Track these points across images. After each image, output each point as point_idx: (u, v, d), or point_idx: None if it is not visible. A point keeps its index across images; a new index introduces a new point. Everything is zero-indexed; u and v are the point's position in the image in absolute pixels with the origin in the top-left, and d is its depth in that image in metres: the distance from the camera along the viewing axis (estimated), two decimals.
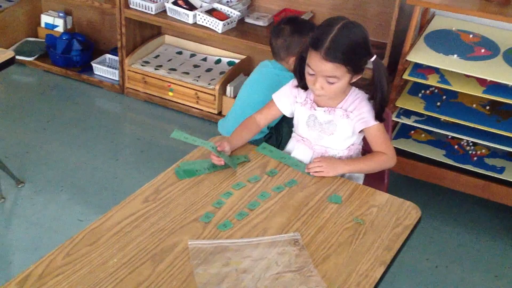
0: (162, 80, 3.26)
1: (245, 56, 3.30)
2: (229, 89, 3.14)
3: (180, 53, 3.48)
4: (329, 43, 1.64)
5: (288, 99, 1.88)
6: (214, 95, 3.14)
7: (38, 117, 3.19)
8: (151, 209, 1.59)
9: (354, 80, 1.75)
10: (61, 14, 3.72)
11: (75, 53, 3.53)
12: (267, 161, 1.81)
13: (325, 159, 1.77)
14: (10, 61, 2.33)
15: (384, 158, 1.80)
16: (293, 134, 1.94)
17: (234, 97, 3.13)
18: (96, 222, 1.53)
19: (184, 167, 1.75)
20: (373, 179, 1.97)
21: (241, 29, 3.08)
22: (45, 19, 3.75)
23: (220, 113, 3.20)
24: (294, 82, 1.87)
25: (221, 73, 3.28)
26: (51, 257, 1.40)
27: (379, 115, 1.78)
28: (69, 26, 3.74)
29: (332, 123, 1.80)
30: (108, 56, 3.56)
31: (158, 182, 1.70)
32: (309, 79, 1.74)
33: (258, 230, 1.53)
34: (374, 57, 1.73)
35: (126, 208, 1.59)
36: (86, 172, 2.81)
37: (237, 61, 3.31)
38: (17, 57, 2.86)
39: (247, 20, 3.14)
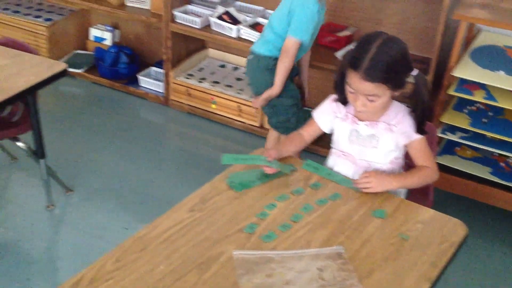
0: (206, 92, 3.32)
1: None
2: None
3: (223, 66, 3.54)
4: (368, 63, 1.63)
5: (328, 116, 1.88)
6: (257, 108, 3.18)
7: (86, 128, 3.29)
8: (196, 219, 1.62)
9: (396, 94, 1.75)
10: (109, 28, 3.83)
11: (122, 66, 3.63)
12: (311, 173, 1.82)
13: (374, 174, 1.76)
14: (62, 73, 2.41)
15: (428, 173, 1.80)
16: (332, 150, 1.94)
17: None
18: (144, 230, 1.57)
19: (234, 178, 1.77)
20: (418, 195, 1.96)
21: None
22: (94, 32, 3.87)
23: (262, 126, 3.23)
24: (333, 97, 1.87)
25: None
26: (102, 262, 1.45)
27: (421, 129, 1.77)
28: (116, 40, 3.85)
29: (374, 137, 1.80)
30: (153, 68, 3.65)
31: (203, 192, 1.74)
32: (350, 96, 1.74)
33: (301, 242, 1.55)
34: (415, 71, 1.72)
35: (172, 217, 1.63)
36: (131, 182, 2.88)
37: None
38: (68, 69, 2.96)
39: None
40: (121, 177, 2.91)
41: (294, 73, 2.63)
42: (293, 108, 2.59)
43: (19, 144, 2.50)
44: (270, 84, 2.52)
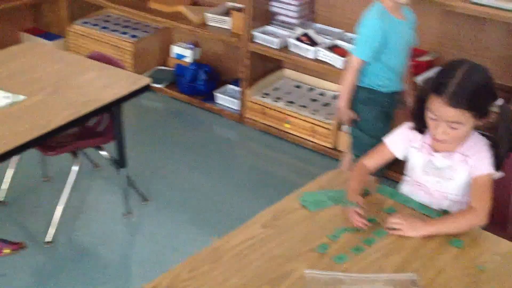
0: (280, 112, 3.37)
1: None
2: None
3: (298, 86, 3.58)
4: (454, 88, 1.60)
5: (402, 143, 1.84)
6: (331, 130, 3.19)
7: (163, 141, 3.42)
8: (269, 235, 1.65)
9: (478, 124, 1.70)
10: (190, 46, 3.97)
11: (200, 83, 3.74)
12: (385, 198, 1.81)
13: (407, 218, 1.68)
14: (146, 87, 2.52)
15: (473, 218, 1.67)
16: (406, 178, 1.91)
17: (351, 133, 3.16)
18: (217, 242, 1.61)
19: (308, 197, 1.79)
20: (496, 225, 1.89)
21: None
22: (175, 49, 4.02)
23: (335, 148, 3.23)
24: (408, 124, 1.83)
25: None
26: (177, 271, 1.50)
27: (498, 164, 1.69)
28: (196, 57, 3.99)
29: (451, 168, 1.75)
30: (230, 86, 3.74)
31: (276, 209, 1.77)
32: (431, 124, 1.69)
33: (374, 266, 1.54)
34: (500, 100, 1.67)
35: (245, 232, 1.66)
36: (204, 195, 2.95)
37: None
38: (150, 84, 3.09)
39: None
40: (195, 190, 2.99)
41: (384, 108, 2.53)
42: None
43: (103, 153, 2.63)
44: (356, 112, 2.52)
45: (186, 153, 3.30)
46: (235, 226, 1.70)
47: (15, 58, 2.57)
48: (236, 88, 3.65)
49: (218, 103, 3.69)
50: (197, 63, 3.85)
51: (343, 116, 2.55)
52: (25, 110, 2.17)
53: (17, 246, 2.25)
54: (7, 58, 2.57)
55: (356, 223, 1.66)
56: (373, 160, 1.88)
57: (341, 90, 2.51)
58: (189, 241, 2.62)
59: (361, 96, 2.49)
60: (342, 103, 2.50)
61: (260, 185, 3.05)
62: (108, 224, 2.71)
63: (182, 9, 3.74)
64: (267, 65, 3.57)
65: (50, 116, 2.14)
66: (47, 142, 2.39)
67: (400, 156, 1.86)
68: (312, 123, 3.26)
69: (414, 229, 1.64)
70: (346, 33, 3.30)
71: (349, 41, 3.22)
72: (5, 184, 2.77)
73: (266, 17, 3.42)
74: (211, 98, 3.72)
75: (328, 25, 3.39)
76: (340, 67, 3.08)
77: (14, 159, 2.73)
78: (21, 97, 2.23)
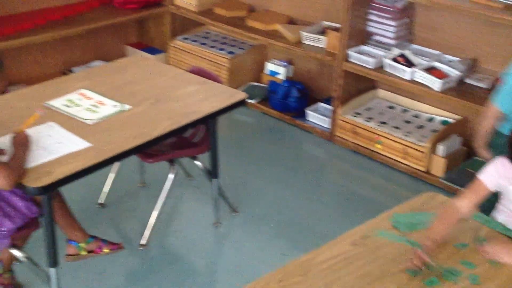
0: (372, 132, 3.35)
1: (461, 117, 3.23)
2: (440, 148, 3.10)
3: (392, 107, 3.55)
4: None
5: (498, 177, 1.73)
6: (424, 152, 3.12)
7: (253, 154, 3.49)
8: (358, 253, 1.65)
9: None
10: (283, 63, 4.05)
11: (292, 100, 3.80)
12: (477, 226, 1.76)
13: (502, 242, 1.63)
14: (241, 102, 2.60)
15: None
16: (501, 207, 1.84)
17: (445, 157, 3.08)
18: (306, 256, 1.64)
19: (399, 218, 1.78)
20: None
21: (459, 89, 3.05)
22: (269, 66, 4.11)
23: (428, 172, 3.16)
24: (501, 159, 1.73)
25: (433, 131, 3.26)
26: (266, 281, 1.54)
27: None
28: (289, 74, 4.05)
29: None
30: (321, 104, 3.76)
31: (366, 227, 1.77)
32: None
33: None
34: None
35: (334, 248, 1.68)
36: (292, 210, 2.98)
37: (451, 121, 3.26)
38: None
39: (468, 80, 3.09)
40: (283, 205, 3.03)
41: None
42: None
43: (197, 163, 2.73)
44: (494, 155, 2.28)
45: (275, 168, 3.36)
46: (320, 242, 1.72)
47: (122, 70, 2.74)
48: (328, 107, 3.66)
49: (309, 121, 3.73)
50: (289, 81, 3.91)
51: (480, 155, 2.41)
52: (130, 118, 2.31)
53: (116, 247, 2.38)
54: (115, 70, 2.75)
55: (410, 263, 1.59)
56: (467, 200, 1.74)
57: (477, 133, 2.37)
58: (275, 254, 2.66)
59: (499, 142, 2.19)
60: (477, 145, 2.36)
61: (347, 204, 3.04)
62: (198, 232, 2.80)
63: (278, 27, 3.83)
64: (360, 84, 3.56)
65: (152, 125, 2.26)
66: (147, 150, 2.53)
67: (494, 189, 1.76)
68: (404, 145, 3.21)
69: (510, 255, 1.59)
70: (445, 55, 3.24)
71: (447, 63, 3.16)
72: (106, 188, 2.95)
73: (362, 37, 3.43)
74: (302, 115, 3.76)
75: (426, 47, 3.34)
76: (437, 90, 3.02)
77: (116, 164, 2.90)
78: (127, 107, 2.38)
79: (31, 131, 2.06)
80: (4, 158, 1.90)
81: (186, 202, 3.04)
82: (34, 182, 1.85)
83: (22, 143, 1.97)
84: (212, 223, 2.85)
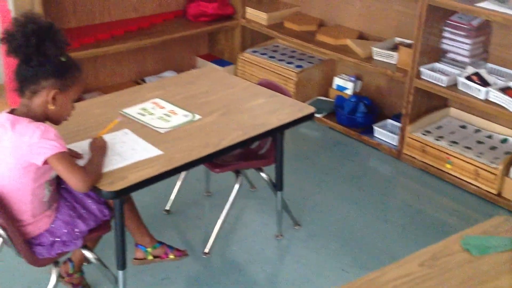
0: (442, 151, 3.26)
1: None
2: None
3: (464, 127, 3.44)
4: None
5: None
6: (496, 175, 3.01)
7: (318, 169, 3.48)
8: (427, 274, 1.61)
9: None
10: (352, 78, 4.02)
11: (359, 115, 3.76)
12: None
13: None
14: (309, 116, 2.60)
15: None
16: None
17: None
18: (372, 274, 1.61)
19: (471, 241, 1.72)
20: None
21: None
22: (337, 81, 4.10)
23: (499, 195, 3.04)
24: None
25: (506, 153, 3.14)
26: None
27: None
28: (357, 90, 4.02)
29: None
30: (389, 121, 3.71)
31: (435, 249, 1.72)
32: None
33: None
34: None
35: (402, 268, 1.64)
36: (355, 227, 2.95)
37: None
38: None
39: None
40: (346, 221, 3.00)
41: None
42: None
43: (263, 175, 2.75)
44: None
45: (339, 184, 3.33)
46: (384, 261, 1.70)
47: (193, 81, 2.81)
48: (396, 123, 3.60)
49: (376, 137, 3.68)
50: (357, 96, 3.88)
51: None
52: (200, 128, 2.36)
53: (181, 253, 2.43)
54: (187, 80, 2.82)
55: None
56: None
57: None
58: (336, 270, 2.63)
59: None
60: None
61: (413, 224, 2.97)
62: (260, 243, 2.82)
63: (348, 42, 3.82)
64: (431, 102, 3.48)
65: (221, 136, 2.30)
66: (215, 160, 2.58)
67: None
68: (476, 166, 3.10)
69: None
70: None
71: None
72: (173, 195, 3.01)
73: (435, 54, 3.36)
74: (369, 131, 3.72)
75: (501, 66, 3.24)
76: None
77: (183, 172, 2.96)
78: (197, 117, 2.43)
79: (107, 137, 2.15)
80: (81, 162, 1.99)
81: (249, 213, 3.06)
82: (108, 186, 1.93)
83: (99, 148, 2.05)
84: (274, 235, 2.85)
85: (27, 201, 1.95)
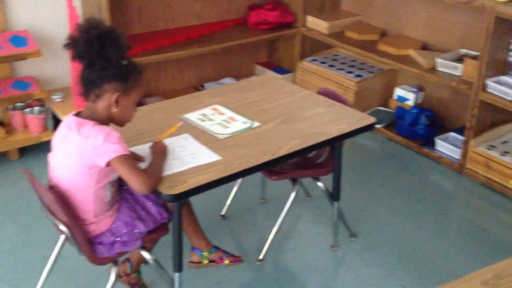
0: (507, 167, 3.14)
1: None
2: None
3: None
4: None
5: None
6: None
7: (376, 180, 3.42)
8: None
9: None
10: (413, 89, 3.94)
11: (420, 127, 3.68)
12: None
13: None
14: (369, 127, 2.56)
15: None
16: None
17: None
18: None
19: None
20: None
21: None
22: (398, 92, 4.02)
23: None
24: None
25: None
26: None
27: None
28: (419, 101, 3.93)
29: None
30: (452, 134, 3.60)
31: (498, 268, 1.65)
32: None
33: None
34: None
35: (463, 286, 1.58)
36: (414, 242, 2.87)
37: None
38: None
39: None
40: (404, 235, 2.93)
41: None
42: None
43: (319, 184, 2.73)
44: None
45: (397, 197, 3.26)
46: (445, 279, 1.64)
47: (253, 88, 2.82)
48: (459, 137, 3.50)
49: (437, 150, 3.58)
50: (419, 107, 3.79)
51: None
52: (258, 136, 2.37)
53: (236, 259, 2.44)
54: (246, 87, 2.84)
55: None
56: None
57: None
58: (394, 285, 2.57)
59: None
60: None
61: (475, 241, 2.87)
62: (314, 253, 2.79)
63: (411, 52, 3.74)
64: (497, 116, 3.37)
65: (279, 144, 2.30)
66: (272, 167, 2.58)
67: None
68: None
69: None
70: None
71: None
72: (229, 200, 3.04)
73: (502, 67, 3.24)
74: (430, 144, 3.63)
75: None
76: None
77: (239, 179, 2.98)
78: (256, 124, 2.44)
79: (167, 142, 2.19)
80: (143, 165, 2.04)
81: (305, 222, 3.04)
82: (168, 190, 1.96)
83: (160, 152, 2.09)
84: (330, 245, 2.82)
85: (90, 201, 2.01)
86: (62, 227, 2.02)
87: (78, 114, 2.01)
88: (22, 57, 3.29)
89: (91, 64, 1.92)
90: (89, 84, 1.96)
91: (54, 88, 3.68)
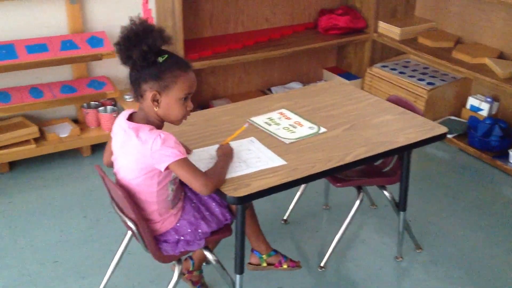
0: None
1: None
2: None
3: None
4: None
5: None
6: None
7: (444, 191, 3.31)
8: None
9: None
10: (488, 99, 3.79)
11: (494, 138, 3.53)
12: None
13: None
14: (440, 136, 2.48)
15: None
16: None
17: None
18: None
19: None
20: None
21: None
22: (471, 101, 3.88)
23: None
24: None
25: None
26: None
27: None
28: (493, 112, 3.78)
29: None
30: None
31: None
32: None
33: None
34: None
35: None
36: (483, 257, 2.76)
37: None
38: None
39: None
40: (471, 249, 2.82)
41: None
42: None
43: (385, 193, 2.67)
44: None
45: (467, 209, 3.14)
46: None
47: (320, 93, 2.80)
48: None
49: (511, 163, 3.43)
50: (493, 118, 3.65)
51: None
52: (324, 141, 2.34)
53: (294, 264, 2.42)
54: (314, 93, 2.82)
55: None
56: None
57: None
58: None
59: None
60: None
61: None
62: (377, 263, 2.73)
63: (487, 61, 3.60)
64: None
65: (346, 151, 2.27)
66: (337, 174, 2.55)
67: None
68: None
69: None
70: None
71: None
72: (291, 205, 3.03)
73: None
74: (503, 156, 3.48)
75: None
76: None
77: (303, 184, 2.96)
78: (323, 129, 2.42)
79: (234, 144, 2.21)
80: (202, 165, 2.05)
81: (368, 231, 2.99)
82: (233, 192, 1.98)
83: (225, 154, 2.11)
84: (394, 256, 2.76)
85: (153, 202, 2.06)
86: (130, 224, 2.07)
87: (131, 115, 2.05)
88: (98, 57, 3.42)
89: (133, 64, 1.94)
90: (132, 85, 1.99)
91: (126, 88, 3.80)
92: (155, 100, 1.96)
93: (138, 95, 1.99)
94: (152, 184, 2.02)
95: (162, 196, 2.06)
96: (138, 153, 1.96)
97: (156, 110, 1.98)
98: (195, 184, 1.93)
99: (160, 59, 1.94)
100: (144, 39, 1.90)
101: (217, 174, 2.01)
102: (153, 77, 1.94)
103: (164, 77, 1.94)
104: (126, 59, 1.93)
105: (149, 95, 1.96)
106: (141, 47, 1.89)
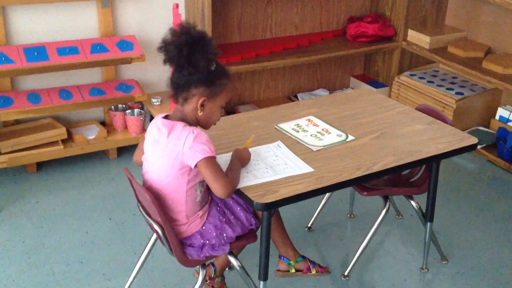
0: None
1: None
2: None
3: None
4: None
5: None
6: None
7: (472, 203, 3.26)
8: None
9: None
10: None
11: None
12: None
13: None
14: (470, 147, 2.44)
15: None
16: None
17: None
18: None
19: None
20: None
21: None
22: (501, 112, 3.82)
23: None
24: None
25: None
26: None
27: None
28: None
29: None
30: None
31: None
32: None
33: None
34: None
35: None
36: (510, 272, 2.70)
37: None
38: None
39: None
40: (499, 263, 2.77)
41: None
42: None
43: (413, 203, 2.64)
44: None
45: (495, 222, 3.08)
46: None
47: (348, 101, 2.79)
48: None
49: None
50: None
51: None
52: (352, 150, 2.33)
53: (323, 270, 2.40)
54: (342, 100, 2.81)
55: None
56: None
57: None
58: None
59: None
60: None
61: None
62: (402, 274, 2.70)
63: None
64: None
65: (374, 159, 2.25)
66: (364, 182, 2.53)
67: None
68: None
69: None
70: None
71: None
72: (316, 213, 3.01)
73: None
74: None
75: None
76: None
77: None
78: (351, 137, 2.41)
79: (262, 149, 2.21)
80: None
81: (393, 241, 2.95)
82: (259, 198, 1.97)
83: (239, 157, 2.10)
84: (419, 267, 2.72)
85: (182, 202, 2.07)
86: (156, 227, 2.08)
87: (167, 117, 2.08)
88: (128, 61, 3.45)
89: (180, 68, 1.98)
90: (178, 88, 2.02)
91: (154, 92, 3.83)
92: (202, 105, 2.01)
93: (182, 98, 2.03)
94: (182, 183, 2.03)
95: (191, 196, 2.06)
96: (170, 149, 1.98)
97: (200, 114, 2.03)
98: (217, 186, 1.94)
99: (212, 67, 2.00)
100: (206, 46, 1.95)
101: (234, 177, 2.01)
102: (205, 84, 2.00)
103: (215, 85, 2.01)
104: (186, 63, 1.95)
105: (197, 99, 2.01)
106: (207, 55, 1.95)
